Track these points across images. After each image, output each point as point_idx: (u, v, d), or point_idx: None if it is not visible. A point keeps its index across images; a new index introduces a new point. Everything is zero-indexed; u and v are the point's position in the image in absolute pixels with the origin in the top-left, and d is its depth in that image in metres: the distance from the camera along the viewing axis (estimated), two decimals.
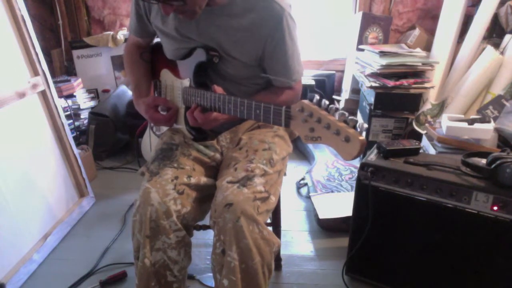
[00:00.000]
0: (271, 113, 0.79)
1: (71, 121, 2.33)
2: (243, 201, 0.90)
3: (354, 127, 0.66)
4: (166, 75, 1.19)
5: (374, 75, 2.08)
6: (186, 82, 1.09)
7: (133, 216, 0.99)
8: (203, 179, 1.05)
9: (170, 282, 0.99)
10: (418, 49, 2.19)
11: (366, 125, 0.66)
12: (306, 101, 0.72)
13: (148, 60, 1.27)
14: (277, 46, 1.02)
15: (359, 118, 2.40)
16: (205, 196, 1.05)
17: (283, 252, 1.52)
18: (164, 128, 1.25)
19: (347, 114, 0.67)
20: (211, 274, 1.04)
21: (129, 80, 1.28)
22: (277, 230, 1.38)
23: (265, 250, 0.91)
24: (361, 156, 2.28)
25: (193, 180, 1.02)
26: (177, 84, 1.13)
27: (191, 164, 1.07)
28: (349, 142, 0.64)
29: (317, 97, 0.72)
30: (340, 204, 1.71)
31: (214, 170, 1.13)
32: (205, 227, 1.37)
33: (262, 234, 0.91)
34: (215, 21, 1.02)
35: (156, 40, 1.26)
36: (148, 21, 1.16)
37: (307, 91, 2.35)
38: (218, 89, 0.97)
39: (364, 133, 0.66)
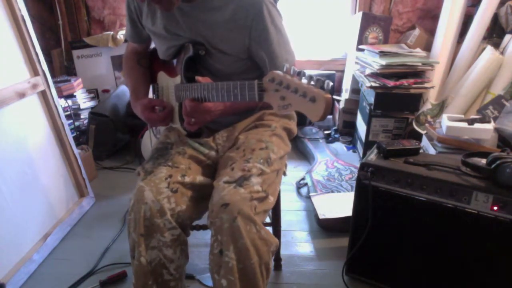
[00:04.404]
0: (246, 89, 0.80)
1: (71, 121, 2.33)
2: (239, 201, 0.89)
3: (322, 87, 0.66)
4: (162, 77, 1.21)
5: (374, 75, 2.08)
6: (178, 80, 1.10)
7: (128, 215, 0.99)
8: (199, 178, 1.05)
9: (167, 280, 0.99)
10: (418, 49, 2.19)
11: (331, 83, 0.67)
12: (276, 71, 0.73)
13: (146, 66, 1.28)
14: (261, 36, 1.02)
15: (359, 118, 2.40)
16: (201, 195, 1.05)
17: (283, 252, 1.52)
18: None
19: (314, 76, 0.68)
20: None
21: (127, 85, 1.29)
22: (277, 230, 1.38)
23: (263, 250, 0.91)
24: (361, 156, 2.28)
25: (187, 179, 1.02)
26: (171, 83, 1.15)
27: (187, 163, 1.07)
28: (315, 102, 0.65)
29: (286, 65, 0.72)
30: (340, 204, 1.71)
31: (210, 169, 1.13)
32: (205, 227, 1.37)
33: (259, 234, 0.90)
34: (199, 17, 1.03)
35: (153, 46, 1.28)
36: (141, 25, 1.18)
37: None
38: (203, 79, 0.97)
39: (330, 90, 0.66)
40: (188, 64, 1.07)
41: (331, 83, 0.66)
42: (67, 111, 2.29)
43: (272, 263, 0.97)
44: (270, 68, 1.07)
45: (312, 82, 0.67)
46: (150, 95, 1.27)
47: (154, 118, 1.12)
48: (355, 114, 2.55)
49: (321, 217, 1.67)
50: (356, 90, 2.50)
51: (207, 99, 0.94)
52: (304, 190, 2.03)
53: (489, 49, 2.01)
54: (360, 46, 2.36)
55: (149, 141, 1.42)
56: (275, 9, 1.04)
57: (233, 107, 1.08)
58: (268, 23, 1.01)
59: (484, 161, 1.13)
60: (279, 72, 0.73)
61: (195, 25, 1.04)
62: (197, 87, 0.96)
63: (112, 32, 2.63)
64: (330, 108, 0.65)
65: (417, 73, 2.04)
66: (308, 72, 0.70)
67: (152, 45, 1.31)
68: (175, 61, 1.18)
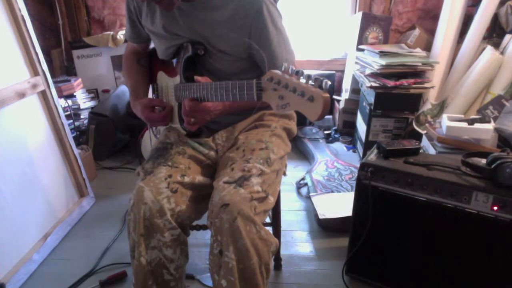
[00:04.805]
0: (245, 89, 0.80)
1: (71, 121, 2.33)
2: (239, 201, 0.89)
3: (320, 87, 0.66)
4: (161, 77, 1.21)
5: (374, 75, 2.08)
6: (177, 79, 1.10)
7: (128, 215, 0.99)
8: (199, 178, 1.05)
9: (167, 280, 0.99)
10: (418, 49, 2.20)
11: (329, 83, 0.66)
12: (274, 70, 0.73)
13: (146, 66, 1.28)
14: (262, 35, 1.02)
15: (359, 118, 2.41)
16: (201, 195, 1.05)
17: (283, 252, 1.52)
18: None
19: (313, 75, 0.68)
20: None
21: (127, 85, 1.29)
22: (277, 230, 1.38)
23: (263, 250, 0.91)
24: (361, 156, 2.28)
25: (187, 179, 1.02)
26: (170, 83, 1.15)
27: (186, 163, 1.07)
28: (313, 101, 0.65)
29: (285, 64, 0.72)
30: (340, 204, 1.71)
31: (210, 169, 1.13)
32: (205, 227, 1.37)
33: (259, 234, 0.90)
34: (199, 16, 1.03)
35: (153, 46, 1.28)
36: (140, 25, 1.18)
37: None
38: (202, 79, 0.97)
39: (327, 88, 0.66)
40: (187, 64, 1.07)
41: (329, 83, 0.66)
42: (67, 111, 2.30)
43: (272, 263, 0.98)
44: (270, 68, 1.07)
45: (311, 82, 0.67)
46: (150, 95, 1.27)
47: (154, 117, 1.12)
48: (355, 114, 2.55)
49: (321, 217, 1.67)
50: (356, 90, 2.50)
51: (206, 99, 0.94)
52: (304, 190, 2.03)
53: (489, 49, 2.01)
54: (360, 46, 2.36)
55: (149, 141, 1.42)
56: (275, 9, 1.04)
57: (233, 106, 1.08)
58: (268, 22, 1.01)
59: (484, 161, 1.13)
60: (277, 71, 0.73)
61: (195, 25, 1.04)
62: (196, 87, 0.96)
63: (112, 32, 2.63)
64: (328, 107, 0.65)
65: (417, 73, 2.04)
66: (306, 71, 0.69)
67: (152, 45, 1.31)
68: (174, 61, 1.18)
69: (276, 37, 1.03)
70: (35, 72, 1.62)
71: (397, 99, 2.04)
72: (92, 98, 2.57)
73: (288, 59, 1.08)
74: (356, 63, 2.35)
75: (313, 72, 2.62)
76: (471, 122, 1.58)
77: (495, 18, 2.14)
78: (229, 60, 1.08)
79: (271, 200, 0.98)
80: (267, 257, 0.93)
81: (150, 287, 0.97)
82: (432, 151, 1.66)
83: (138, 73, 1.26)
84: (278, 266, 1.47)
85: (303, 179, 2.09)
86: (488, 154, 1.12)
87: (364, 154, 2.20)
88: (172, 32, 1.09)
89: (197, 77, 0.97)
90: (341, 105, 2.66)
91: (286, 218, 1.80)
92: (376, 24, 2.41)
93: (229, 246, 0.88)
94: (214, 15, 1.02)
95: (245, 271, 0.90)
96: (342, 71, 2.76)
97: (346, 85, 2.63)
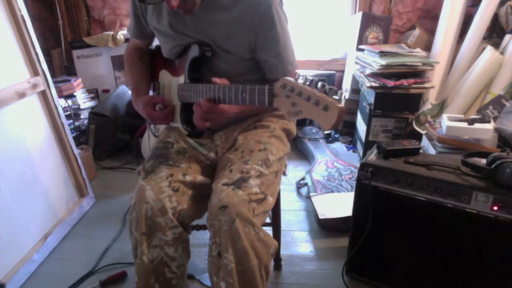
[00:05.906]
0: (256, 93, 0.80)
1: (71, 121, 2.33)
2: (238, 203, 0.89)
3: (335, 97, 0.67)
4: (164, 75, 1.21)
5: (374, 75, 2.08)
6: (181, 79, 1.10)
7: (130, 214, 0.99)
8: (199, 178, 1.05)
9: (169, 278, 0.99)
10: (418, 49, 2.20)
11: (345, 93, 0.67)
12: (288, 78, 0.74)
13: (148, 63, 1.28)
14: (268, 35, 1.02)
15: (359, 118, 2.41)
16: (202, 195, 1.05)
17: (283, 252, 1.52)
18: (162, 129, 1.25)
19: (327, 85, 0.68)
20: None
21: (128, 81, 1.28)
22: (276, 230, 1.38)
23: (262, 252, 0.91)
24: (361, 156, 2.28)
25: (188, 178, 1.02)
26: (174, 82, 1.15)
27: (187, 162, 1.07)
28: (328, 111, 0.65)
29: (299, 73, 0.73)
30: (340, 204, 1.71)
31: (210, 169, 1.13)
32: (205, 227, 1.37)
33: (258, 236, 0.90)
34: (206, 16, 1.03)
35: (156, 43, 1.28)
36: (145, 22, 1.18)
37: None
38: (220, 80, 0.95)
39: (343, 102, 0.67)
40: (193, 65, 1.07)
41: (344, 93, 0.66)
42: (67, 111, 2.30)
43: (271, 265, 0.97)
44: (274, 69, 1.08)
45: (325, 91, 0.68)
46: (150, 93, 1.27)
47: (156, 116, 1.11)
48: (355, 114, 2.55)
49: (321, 217, 1.67)
50: (356, 90, 2.50)
51: (218, 101, 0.94)
52: (304, 190, 2.03)
53: (489, 49, 2.01)
54: (360, 46, 2.36)
55: (148, 140, 1.42)
56: (282, 11, 1.04)
57: (246, 110, 1.08)
58: (276, 22, 1.01)
59: (484, 161, 1.13)
60: (290, 78, 0.73)
61: (201, 24, 1.04)
62: (203, 88, 0.96)
63: (112, 32, 2.63)
64: (342, 117, 0.65)
65: (417, 73, 2.04)
66: (305, 73, 0.70)
67: (154, 43, 1.30)
68: (176, 60, 1.18)
69: (282, 37, 1.04)
70: (35, 72, 1.62)
71: (397, 99, 2.04)
72: (92, 98, 2.57)
73: (293, 62, 1.09)
74: (356, 63, 2.35)
75: (313, 72, 2.63)
76: (471, 122, 1.58)
77: (495, 18, 2.14)
78: (234, 60, 1.08)
79: (270, 200, 0.98)
80: (267, 259, 0.93)
81: (152, 285, 0.97)
82: (432, 151, 1.66)
83: (140, 70, 1.25)
84: (278, 266, 1.47)
85: (303, 179, 2.09)
86: (488, 154, 1.12)
87: (364, 154, 2.20)
88: (178, 31, 1.08)
89: (215, 79, 0.96)
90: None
91: (286, 218, 1.80)
92: (376, 24, 2.41)
93: (228, 248, 0.88)
94: (221, 15, 1.02)
95: (244, 273, 0.89)
96: (342, 71, 2.76)
97: (346, 85, 2.63)
